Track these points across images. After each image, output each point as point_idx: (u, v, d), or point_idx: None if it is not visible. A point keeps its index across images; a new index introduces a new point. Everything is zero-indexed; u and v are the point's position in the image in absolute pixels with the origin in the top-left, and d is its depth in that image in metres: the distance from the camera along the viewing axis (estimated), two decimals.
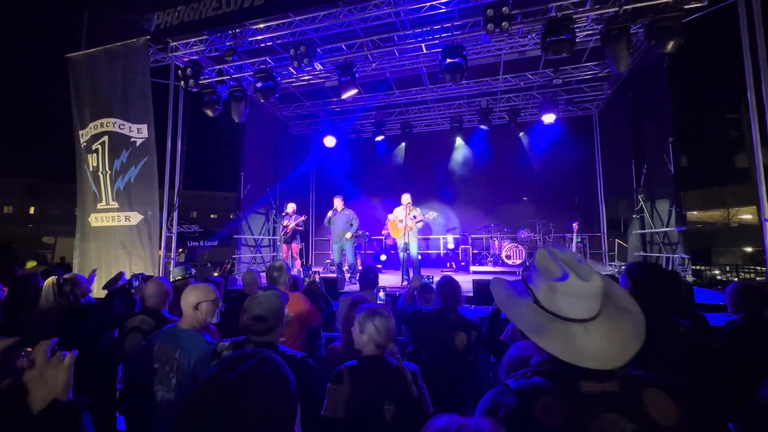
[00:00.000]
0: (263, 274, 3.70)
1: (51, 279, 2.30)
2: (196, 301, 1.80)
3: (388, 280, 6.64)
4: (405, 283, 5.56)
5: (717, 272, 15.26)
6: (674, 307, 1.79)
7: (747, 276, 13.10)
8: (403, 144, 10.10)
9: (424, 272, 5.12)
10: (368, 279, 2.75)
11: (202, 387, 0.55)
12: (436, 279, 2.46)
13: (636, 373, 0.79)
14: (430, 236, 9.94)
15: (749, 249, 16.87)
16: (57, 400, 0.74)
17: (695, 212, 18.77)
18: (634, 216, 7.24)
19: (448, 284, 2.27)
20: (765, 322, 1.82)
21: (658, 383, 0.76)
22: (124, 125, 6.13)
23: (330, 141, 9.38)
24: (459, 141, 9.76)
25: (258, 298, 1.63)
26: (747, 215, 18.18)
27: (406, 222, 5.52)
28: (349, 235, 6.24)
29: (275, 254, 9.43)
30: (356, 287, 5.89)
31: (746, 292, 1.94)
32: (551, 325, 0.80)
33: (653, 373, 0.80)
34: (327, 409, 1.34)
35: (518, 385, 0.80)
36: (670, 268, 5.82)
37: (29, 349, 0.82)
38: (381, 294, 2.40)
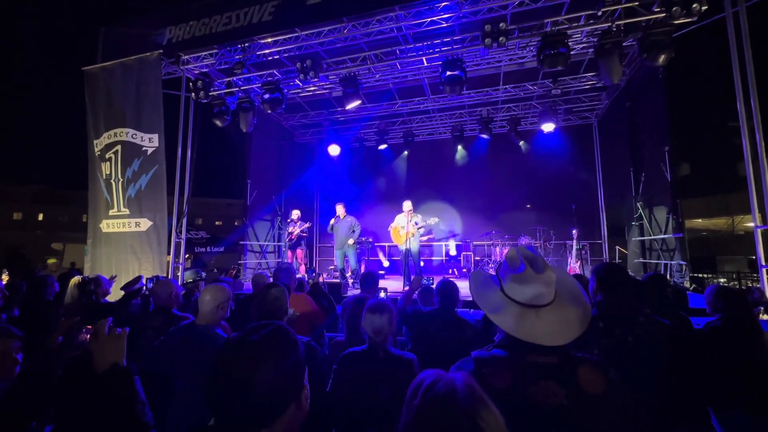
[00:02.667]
0: (271, 279, 3.85)
1: (76, 278, 2.47)
2: (218, 302, 1.97)
3: (391, 285, 6.77)
4: (407, 287, 5.68)
5: (723, 280, 15.19)
6: (656, 305, 1.91)
7: (751, 283, 13.04)
8: (406, 152, 10.30)
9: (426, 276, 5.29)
10: (369, 282, 2.89)
11: (230, 347, 0.71)
12: (437, 281, 2.60)
13: (578, 354, 0.95)
14: (433, 243, 10.06)
15: (754, 257, 16.73)
16: (116, 364, 0.94)
17: (699, 220, 18.70)
18: (633, 223, 7.34)
19: (447, 285, 2.42)
20: (739, 322, 1.94)
21: (594, 363, 0.92)
22: (136, 135, 6.38)
23: (334, 149, 9.60)
24: (460, 149, 9.94)
25: (267, 293, 1.81)
26: (752, 223, 18.09)
27: (407, 228, 5.67)
28: (351, 241, 6.40)
29: (280, 260, 9.60)
30: (358, 292, 6.04)
31: (720, 295, 2.07)
32: (508, 307, 0.98)
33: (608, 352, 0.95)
34: (332, 386, 1.50)
35: (479, 354, 0.98)
36: (667, 274, 5.91)
37: (89, 327, 1.00)
38: (382, 295, 2.54)
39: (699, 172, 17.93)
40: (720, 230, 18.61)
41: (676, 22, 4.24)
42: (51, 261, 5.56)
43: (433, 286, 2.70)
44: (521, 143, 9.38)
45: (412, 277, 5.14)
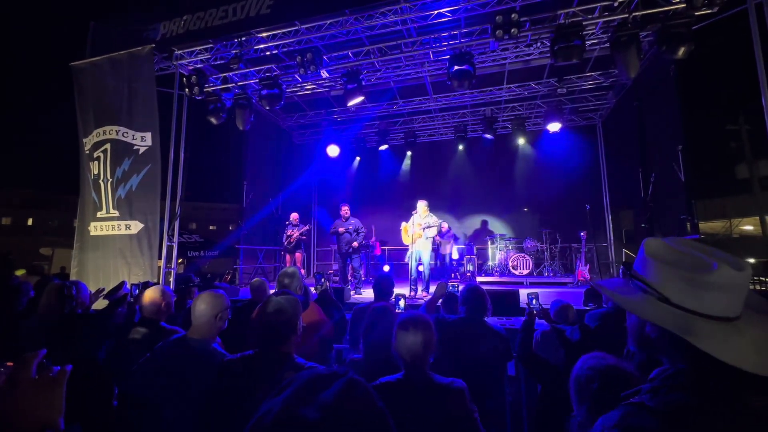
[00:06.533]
0: (271, 283, 3.56)
1: (53, 284, 2.17)
2: (217, 312, 1.69)
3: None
4: (413, 293, 5.40)
5: None
6: None
7: (755, 287, 12.95)
8: (408, 153, 10.07)
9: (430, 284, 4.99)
10: (384, 288, 2.59)
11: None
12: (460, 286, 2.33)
13: None
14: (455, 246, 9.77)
15: (752, 260, 16.79)
16: (46, 427, 0.58)
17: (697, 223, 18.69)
18: (642, 225, 7.14)
19: (474, 292, 2.13)
20: None
21: None
22: (127, 133, 6.05)
23: (333, 150, 9.33)
24: (463, 150, 9.72)
25: (273, 304, 1.49)
26: (748, 226, 18.19)
27: (414, 229, 5.40)
28: (355, 244, 6.11)
29: (277, 264, 9.26)
30: (361, 297, 5.73)
31: None
32: (698, 325, 0.68)
33: None
34: None
35: (658, 403, 0.66)
36: None
37: (9, 364, 0.62)
38: (401, 303, 2.25)
39: (695, 175, 17.92)
40: (717, 234, 18.64)
41: (697, 13, 4.06)
42: (20, 272, 5.12)
43: (457, 293, 2.42)
44: (525, 143, 9.18)
45: (420, 287, 4.82)
